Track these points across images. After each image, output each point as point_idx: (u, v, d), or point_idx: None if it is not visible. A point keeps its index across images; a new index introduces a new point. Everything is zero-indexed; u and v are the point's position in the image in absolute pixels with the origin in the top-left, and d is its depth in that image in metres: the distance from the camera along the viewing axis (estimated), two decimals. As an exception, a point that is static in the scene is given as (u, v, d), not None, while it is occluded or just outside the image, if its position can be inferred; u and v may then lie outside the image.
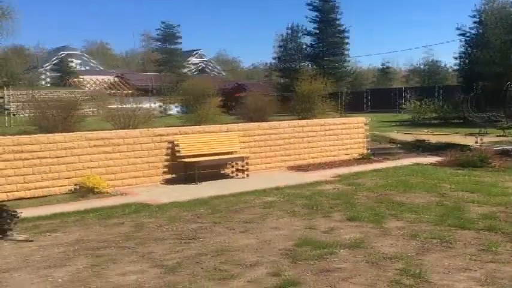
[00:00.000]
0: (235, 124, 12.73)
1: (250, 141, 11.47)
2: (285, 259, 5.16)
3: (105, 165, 9.48)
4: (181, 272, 4.86)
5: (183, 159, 10.18)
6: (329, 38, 47.41)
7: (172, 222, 6.82)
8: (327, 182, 9.80)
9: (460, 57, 28.79)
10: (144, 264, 5.12)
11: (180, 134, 10.48)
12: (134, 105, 16.24)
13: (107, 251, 5.58)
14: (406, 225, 6.38)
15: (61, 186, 9.02)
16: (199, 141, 10.60)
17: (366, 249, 5.41)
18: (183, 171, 10.33)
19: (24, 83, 47.91)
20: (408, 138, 16.25)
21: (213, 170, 10.73)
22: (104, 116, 16.97)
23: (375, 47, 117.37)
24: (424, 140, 15.48)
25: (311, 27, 48.42)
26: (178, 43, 62.52)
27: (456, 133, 18.56)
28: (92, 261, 5.26)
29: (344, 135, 13.13)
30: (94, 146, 9.41)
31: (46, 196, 8.80)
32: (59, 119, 14.14)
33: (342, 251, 5.38)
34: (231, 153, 10.99)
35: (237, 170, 11.04)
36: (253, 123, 13.12)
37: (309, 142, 12.47)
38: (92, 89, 42.52)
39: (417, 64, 62.77)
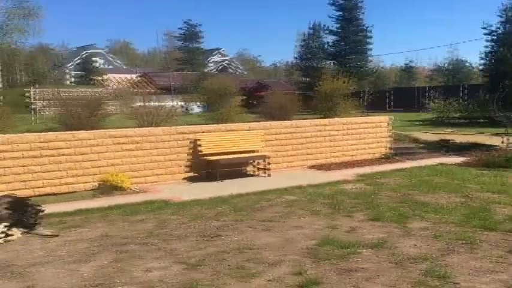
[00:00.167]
0: (257, 122, 12.74)
1: (272, 140, 11.47)
2: (307, 258, 5.15)
3: (128, 163, 9.60)
4: (204, 269, 4.89)
5: (205, 157, 10.24)
6: (352, 36, 47.04)
7: (194, 220, 6.87)
8: (349, 181, 9.73)
9: (486, 55, 28.21)
10: (167, 261, 5.17)
11: (203, 132, 10.55)
12: (157, 104, 16.37)
13: (131, 247, 5.66)
14: (430, 226, 6.30)
15: (86, 182, 9.17)
16: (221, 139, 10.65)
17: (389, 250, 5.36)
18: (204, 169, 10.40)
19: (50, 81, 48.82)
20: (432, 137, 16.02)
21: (234, 168, 10.77)
22: (128, 114, 17.18)
23: (397, 46, 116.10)
24: (448, 140, 15.24)
25: (333, 25, 48.14)
26: (199, 42, 62.96)
27: (481, 133, 18.21)
28: (116, 257, 5.33)
29: (366, 134, 13.02)
30: (118, 143, 9.54)
31: (71, 192, 8.96)
32: (84, 116, 14.38)
33: (364, 251, 5.34)
34: (253, 151, 11.01)
35: (259, 169, 11.06)
36: (275, 121, 13.11)
37: (331, 141, 12.40)
38: (115, 87, 43.03)
39: (442, 63, 61.78)
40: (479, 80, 37.46)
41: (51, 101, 24.33)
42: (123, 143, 9.58)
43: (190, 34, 62.58)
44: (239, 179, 10.43)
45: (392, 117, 14.28)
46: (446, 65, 58.01)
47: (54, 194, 8.79)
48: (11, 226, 6.18)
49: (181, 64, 58.02)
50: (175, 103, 30.95)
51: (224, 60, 70.71)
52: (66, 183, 9.00)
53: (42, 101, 32.47)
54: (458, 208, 7.20)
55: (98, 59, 62.89)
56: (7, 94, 25.56)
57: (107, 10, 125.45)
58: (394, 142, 14.25)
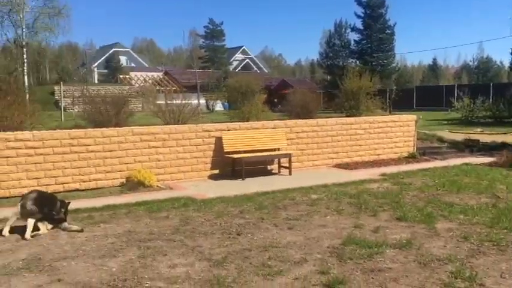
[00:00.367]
0: (282, 121, 12.74)
1: (296, 138, 11.46)
2: (332, 257, 5.14)
3: (154, 160, 9.72)
4: (228, 266, 4.93)
5: (230, 155, 10.29)
6: (377, 34, 46.55)
7: (219, 217, 6.92)
8: (374, 181, 9.65)
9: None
10: (192, 257, 5.23)
11: (228, 130, 10.60)
12: (182, 101, 16.50)
13: (156, 243, 5.73)
14: (457, 227, 6.20)
15: (113, 179, 9.33)
16: (246, 137, 10.68)
17: (415, 250, 5.30)
18: (229, 166, 10.45)
19: (76, 79, 49.76)
20: (459, 137, 15.71)
21: (258, 166, 10.80)
22: (153, 112, 17.37)
23: (424, 43, 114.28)
24: (476, 139, 14.93)
25: (358, 23, 47.75)
26: (222, 40, 63.29)
27: (511, 133, 17.78)
28: (142, 252, 5.41)
29: (393, 133, 12.88)
30: (144, 140, 9.66)
31: (99, 188, 9.12)
32: (112, 114, 14.61)
33: (390, 251, 5.30)
34: (277, 149, 11.01)
35: (283, 167, 11.05)
36: (300, 120, 13.07)
37: (357, 140, 12.31)
38: (141, 85, 43.56)
39: (470, 61, 60.62)
40: (510, 79, 36.55)
41: (79, 99, 24.79)
42: (149, 141, 9.71)
43: (214, 32, 62.97)
44: (263, 177, 10.45)
45: (421, 116, 14.09)
46: (473, 63, 56.78)
47: (83, 190, 8.97)
48: (39, 221, 6.33)
49: (205, 62, 58.40)
50: (198, 101, 31.15)
51: (247, 58, 70.75)
52: (95, 179, 9.17)
53: (69, 99, 33.10)
54: (486, 209, 7.07)
55: (122, 57, 63.72)
56: (37, 91, 26.09)
57: (134, 8, 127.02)
58: (421, 141, 14.06)
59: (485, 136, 16.29)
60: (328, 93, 33.76)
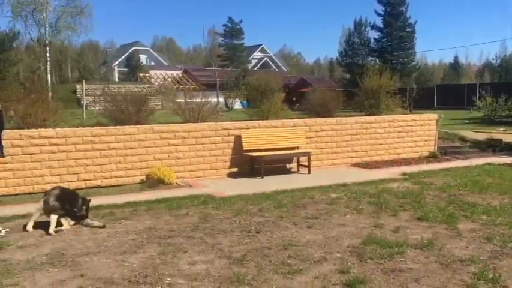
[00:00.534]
0: (301, 119, 12.70)
1: (315, 137, 11.42)
2: (352, 256, 5.11)
3: (174, 157, 9.80)
4: (247, 264, 4.94)
5: (249, 153, 10.31)
6: (398, 32, 46.04)
7: (238, 215, 6.94)
8: (394, 180, 9.56)
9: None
10: (211, 255, 5.26)
11: (247, 129, 10.62)
12: (202, 100, 16.58)
13: (176, 240, 5.78)
14: (480, 228, 6.11)
15: (133, 176, 9.44)
16: (265, 135, 10.69)
17: (436, 251, 5.24)
18: (248, 165, 10.47)
19: (96, 77, 50.38)
20: (481, 136, 15.45)
21: (277, 165, 10.79)
22: (173, 110, 17.50)
23: (444, 41, 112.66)
24: (498, 139, 14.66)
25: (379, 21, 47.28)
26: (241, 39, 63.32)
27: (535, 132, 17.41)
28: (162, 249, 5.46)
29: (414, 132, 12.74)
30: (164, 138, 9.75)
31: (120, 185, 9.24)
32: (132, 112, 14.77)
33: (411, 251, 5.24)
34: (297, 148, 10.99)
35: (302, 165, 11.03)
36: (319, 118, 13.03)
37: (377, 139, 12.21)
38: (161, 83, 43.90)
39: (493, 59, 59.54)
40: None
41: (100, 97, 25.07)
42: (169, 138, 9.79)
43: (233, 31, 63.05)
44: (282, 176, 10.45)
45: (442, 115, 13.90)
46: (497, 62, 55.73)
47: (104, 187, 9.09)
48: (62, 217, 6.44)
49: (224, 61, 58.54)
50: (216, 99, 31.26)
51: (266, 56, 70.69)
52: (115, 177, 9.29)
53: (91, 97, 33.54)
54: (510, 210, 6.95)
55: (143, 56, 64.26)
56: (59, 90, 26.55)
57: (154, 7, 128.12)
58: (442, 141, 13.88)
59: (508, 136, 15.98)
60: (347, 92, 33.56)
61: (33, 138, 8.69)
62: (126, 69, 58.61)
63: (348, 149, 11.83)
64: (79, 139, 9.01)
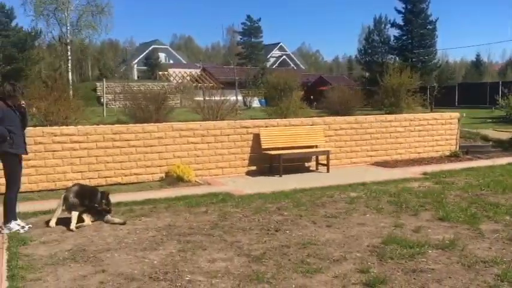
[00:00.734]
0: (321, 118, 12.64)
1: (335, 135, 11.35)
2: (372, 256, 5.07)
3: (193, 155, 9.85)
4: (267, 262, 4.94)
5: (268, 152, 10.30)
6: (418, 29, 45.47)
7: (257, 213, 6.94)
8: (414, 180, 9.45)
9: None
10: (231, 253, 5.27)
11: (266, 127, 10.61)
12: (221, 98, 16.64)
13: (196, 238, 5.81)
14: (503, 228, 6.00)
15: (153, 173, 9.51)
16: (284, 134, 10.67)
17: (458, 251, 5.16)
18: (267, 163, 10.47)
19: (116, 75, 50.91)
20: (504, 136, 15.18)
21: (296, 163, 10.76)
22: (192, 108, 17.60)
23: (465, 39, 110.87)
24: (523, 138, 14.39)
25: (399, 18, 46.76)
26: (259, 37, 63.35)
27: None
28: (182, 246, 5.50)
29: (435, 131, 12.57)
30: (183, 136, 9.80)
31: (139, 183, 9.32)
32: (152, 109, 14.90)
33: (432, 251, 5.18)
34: (315, 146, 10.95)
35: (321, 164, 10.98)
36: (338, 117, 12.94)
37: (397, 138, 12.09)
38: (180, 81, 44.15)
39: (516, 57, 58.36)
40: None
41: (120, 95, 25.37)
42: (188, 136, 9.84)
43: (251, 29, 63.11)
44: (301, 174, 10.42)
45: (464, 114, 13.69)
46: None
47: (124, 184, 9.18)
48: (83, 213, 6.53)
49: (242, 59, 58.61)
50: (235, 98, 31.32)
51: (284, 55, 70.55)
52: (135, 174, 9.38)
53: (111, 95, 33.92)
54: (534, 211, 6.81)
55: (161, 54, 64.72)
56: (80, 88, 26.91)
57: (173, 6, 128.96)
58: (464, 140, 13.68)
59: (533, 135, 15.66)
60: (366, 90, 33.30)
61: (56, 136, 8.83)
62: (145, 68, 59.09)
63: (367, 148, 11.74)
64: (100, 136, 9.12)
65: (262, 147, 10.33)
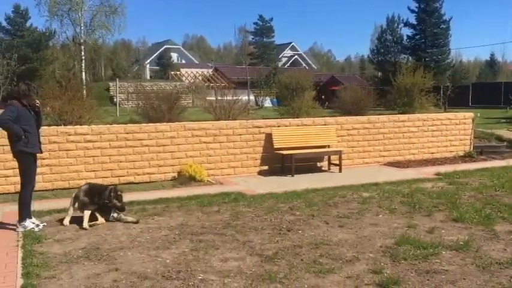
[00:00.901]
0: (333, 117, 12.60)
1: (347, 135, 11.30)
2: (385, 257, 5.04)
3: (205, 155, 9.87)
4: (279, 262, 4.93)
5: (280, 151, 10.29)
6: (432, 29, 45.10)
7: (269, 213, 6.94)
8: (428, 180, 9.37)
9: None
10: (243, 252, 5.27)
11: (278, 127, 10.60)
12: (233, 98, 16.67)
13: (208, 237, 5.82)
14: (519, 230, 5.92)
15: (165, 173, 9.55)
16: (296, 134, 10.64)
17: (473, 253, 5.11)
18: (278, 163, 10.45)
19: (129, 75, 51.25)
20: (520, 136, 15.00)
21: (308, 163, 10.74)
22: (204, 108, 17.64)
23: (479, 38, 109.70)
24: (539, 139, 14.20)
25: (412, 18, 46.42)
26: (272, 36, 63.31)
27: None
28: (194, 245, 5.51)
29: (449, 131, 12.46)
30: (195, 136, 9.83)
31: (152, 182, 9.37)
32: (165, 109, 14.97)
33: (446, 252, 5.13)
34: (328, 146, 10.91)
35: (333, 164, 10.94)
36: (351, 116, 12.88)
37: (410, 138, 12.00)
38: (192, 81, 44.30)
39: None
40: None
41: (133, 94, 25.51)
42: (200, 136, 9.87)
43: (263, 29, 63.10)
44: (313, 174, 10.39)
45: (479, 114, 13.55)
46: (536, 59, 53.86)
47: (137, 183, 9.23)
48: (96, 211, 6.57)
49: (254, 59, 58.62)
50: (246, 97, 31.36)
51: (296, 54, 70.43)
52: (148, 173, 9.42)
53: (123, 94, 34.16)
54: (550, 212, 6.71)
55: (174, 54, 64.96)
56: (93, 88, 27.13)
57: (186, 5, 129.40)
58: (478, 140, 13.54)
59: (548, 135, 15.44)
60: (379, 90, 33.13)
61: (70, 135, 8.91)
62: (157, 68, 59.40)
63: (380, 148, 11.67)
64: (113, 136, 9.18)
65: (274, 146, 10.32)
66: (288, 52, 70.39)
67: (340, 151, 10.72)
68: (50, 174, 8.74)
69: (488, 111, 25.32)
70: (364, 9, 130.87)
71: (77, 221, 6.46)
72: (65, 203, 7.10)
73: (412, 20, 46.56)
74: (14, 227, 6.26)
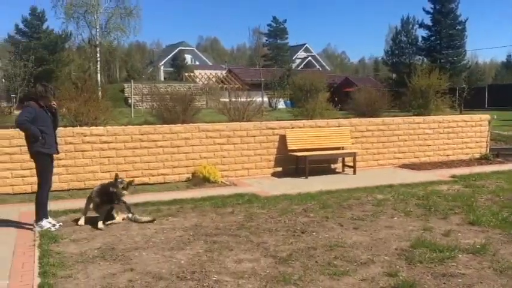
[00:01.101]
0: (347, 119, 12.54)
1: (361, 137, 11.24)
2: (400, 260, 5.00)
3: (219, 156, 9.89)
4: (294, 264, 4.92)
5: (293, 153, 10.27)
6: (447, 30, 44.69)
7: (283, 215, 6.93)
8: (443, 182, 9.28)
9: None
10: (257, 254, 5.27)
11: (292, 128, 10.59)
12: (247, 99, 16.69)
13: (222, 238, 5.83)
14: (537, 234, 5.83)
15: (179, 174, 9.59)
16: (310, 135, 10.62)
17: (490, 256, 5.04)
18: (292, 164, 10.44)
19: (143, 77, 51.62)
20: (537, 138, 14.79)
21: (322, 165, 10.70)
22: (218, 109, 17.69)
23: (496, 40, 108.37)
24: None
25: (427, 19, 46.07)
26: (286, 38, 63.28)
27: None
28: (208, 246, 5.52)
29: (465, 133, 12.32)
30: (210, 137, 9.86)
31: (166, 183, 9.42)
32: (179, 110, 15.05)
33: (463, 256, 5.07)
34: (342, 148, 10.86)
35: (347, 166, 10.89)
36: (365, 118, 12.82)
37: (425, 140, 11.89)
38: (205, 83, 44.50)
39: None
40: None
41: (147, 96, 25.68)
42: (214, 137, 9.89)
43: (277, 31, 63.12)
44: (327, 176, 10.35)
45: (495, 116, 13.38)
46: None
47: (151, 184, 9.29)
48: (111, 210, 6.63)
49: (268, 60, 58.65)
50: (260, 99, 31.37)
51: (309, 56, 70.30)
52: (162, 174, 9.48)
53: (138, 96, 34.40)
54: None
55: (188, 55, 65.30)
56: (108, 89, 27.39)
57: (200, 7, 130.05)
58: (495, 142, 13.38)
59: None
60: (393, 92, 32.93)
61: (85, 136, 9.00)
62: (171, 69, 59.74)
63: (394, 150, 11.59)
64: (128, 137, 9.25)
65: (288, 148, 10.31)
66: (301, 54, 70.32)
67: (355, 153, 10.67)
68: (66, 174, 8.84)
69: (505, 113, 24.96)
70: (378, 11, 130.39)
71: (92, 221, 6.52)
72: (81, 203, 7.17)
73: (427, 21, 46.26)
74: (31, 227, 6.34)
